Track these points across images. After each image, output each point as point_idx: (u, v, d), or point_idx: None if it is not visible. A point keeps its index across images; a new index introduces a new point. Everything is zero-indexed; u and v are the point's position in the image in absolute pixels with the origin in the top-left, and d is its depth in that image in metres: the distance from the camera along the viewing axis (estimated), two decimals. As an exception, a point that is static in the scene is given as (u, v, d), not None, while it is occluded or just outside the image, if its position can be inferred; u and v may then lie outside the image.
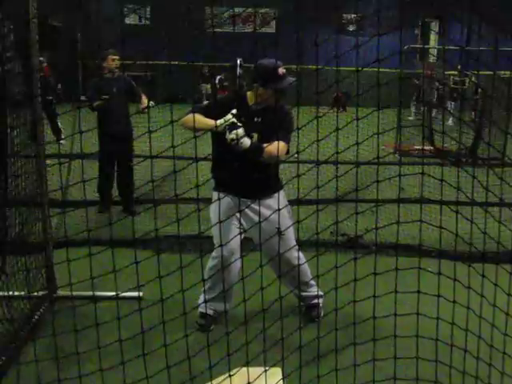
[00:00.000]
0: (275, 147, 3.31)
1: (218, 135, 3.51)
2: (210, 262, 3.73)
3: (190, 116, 3.33)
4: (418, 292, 2.67)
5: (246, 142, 3.38)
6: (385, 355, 2.84)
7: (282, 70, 3.52)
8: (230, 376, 2.64)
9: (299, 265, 3.30)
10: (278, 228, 3.27)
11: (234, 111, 3.39)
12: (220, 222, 2.97)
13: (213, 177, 3.67)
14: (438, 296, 2.65)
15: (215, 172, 3.70)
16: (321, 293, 3.90)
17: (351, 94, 19.33)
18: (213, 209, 3.67)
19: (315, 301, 3.94)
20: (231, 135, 3.34)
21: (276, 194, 3.63)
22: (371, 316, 2.75)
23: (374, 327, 2.75)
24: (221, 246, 2.99)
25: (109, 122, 6.32)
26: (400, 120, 9.91)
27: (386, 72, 2.67)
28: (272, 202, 3.59)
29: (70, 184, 3.95)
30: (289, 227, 3.57)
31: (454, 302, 2.65)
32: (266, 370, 2.71)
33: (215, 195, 3.68)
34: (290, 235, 3.72)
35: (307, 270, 3.83)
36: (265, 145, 3.43)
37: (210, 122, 3.31)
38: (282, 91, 3.56)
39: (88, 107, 6.36)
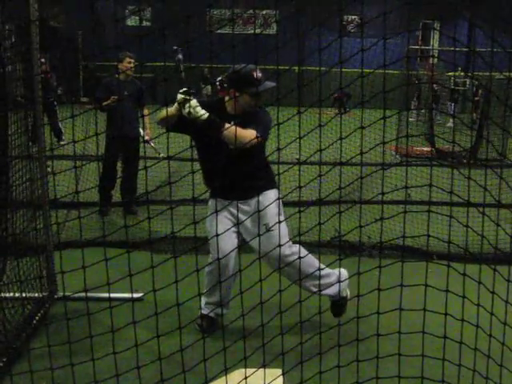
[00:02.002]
0: (242, 131, 3.24)
1: (197, 142, 3.52)
2: (207, 267, 3.73)
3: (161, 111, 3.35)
4: (424, 310, 2.58)
5: (201, 111, 3.27)
6: (388, 373, 2.77)
7: (257, 74, 3.46)
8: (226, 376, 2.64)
9: (300, 274, 3.18)
10: (263, 225, 3.26)
11: (182, 90, 3.31)
12: (217, 235, 2.96)
13: (206, 185, 3.69)
14: (446, 314, 2.58)
15: (205, 180, 3.70)
16: (344, 280, 3.63)
17: (352, 94, 19.35)
18: (208, 216, 3.67)
19: (336, 297, 3.74)
20: (186, 109, 3.25)
21: (265, 192, 3.57)
22: (374, 333, 2.68)
23: (377, 344, 2.68)
24: (217, 260, 2.98)
25: (118, 123, 6.34)
26: (407, 124, 9.86)
27: (388, 73, 2.66)
28: (260, 200, 3.39)
29: (77, 189, 3.94)
30: (276, 223, 3.27)
31: (463, 320, 2.56)
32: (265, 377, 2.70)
33: (209, 202, 3.70)
34: (282, 232, 3.33)
35: (312, 262, 3.54)
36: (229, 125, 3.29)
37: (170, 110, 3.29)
38: (259, 95, 3.48)
39: (97, 107, 6.39)
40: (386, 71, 2.58)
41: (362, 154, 2.49)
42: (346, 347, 2.79)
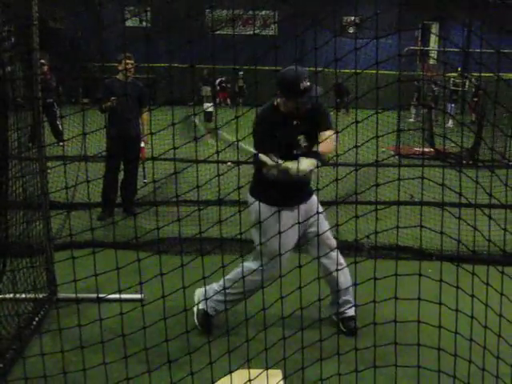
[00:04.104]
0: (328, 141, 3.35)
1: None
2: (255, 271, 3.40)
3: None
4: (419, 299, 2.62)
5: (305, 165, 3.28)
6: (386, 361, 2.83)
7: (304, 85, 3.34)
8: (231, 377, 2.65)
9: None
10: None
11: (275, 160, 3.29)
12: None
13: (263, 192, 3.52)
14: (440, 304, 2.61)
15: (267, 187, 3.49)
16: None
17: (350, 91, 19.33)
18: (272, 224, 3.28)
19: (351, 312, 3.82)
20: (295, 171, 3.26)
21: (314, 196, 3.67)
22: (372, 322, 2.73)
23: (374, 332, 2.74)
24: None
25: (118, 124, 6.34)
26: (399, 122, 9.95)
27: (386, 74, 2.68)
28: (314, 204, 3.59)
29: (76, 185, 3.95)
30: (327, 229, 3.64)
31: (457, 310, 2.59)
32: (267, 373, 2.71)
33: (270, 210, 3.35)
34: (329, 236, 3.73)
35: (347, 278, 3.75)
36: (319, 147, 3.35)
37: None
38: (304, 103, 3.41)
39: (98, 108, 6.41)
40: (387, 73, 2.60)
41: (356, 147, 2.53)
42: (345, 336, 2.74)
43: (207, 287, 3.60)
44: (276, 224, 3.16)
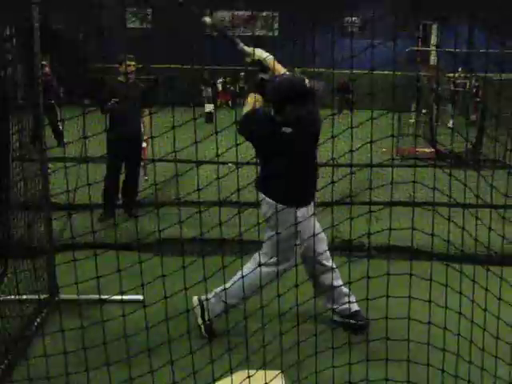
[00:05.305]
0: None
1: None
2: (270, 273, 3.46)
3: None
4: (410, 297, 2.68)
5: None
6: (377, 356, 2.86)
7: (308, 84, 3.37)
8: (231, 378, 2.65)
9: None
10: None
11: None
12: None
13: (279, 194, 3.49)
14: (430, 301, 2.66)
15: (283, 188, 3.47)
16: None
17: (353, 91, 19.34)
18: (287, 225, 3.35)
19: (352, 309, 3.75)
20: None
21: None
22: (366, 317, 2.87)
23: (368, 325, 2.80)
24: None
25: (120, 125, 6.32)
26: (400, 123, 9.96)
27: (386, 74, 2.69)
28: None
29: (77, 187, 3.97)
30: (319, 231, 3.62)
31: (446, 306, 2.65)
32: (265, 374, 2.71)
33: (298, 213, 3.41)
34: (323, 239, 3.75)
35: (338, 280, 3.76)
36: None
37: None
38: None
39: (99, 110, 6.41)
40: (387, 74, 2.61)
41: (351, 151, 2.56)
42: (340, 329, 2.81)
43: (214, 295, 3.53)
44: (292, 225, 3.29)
